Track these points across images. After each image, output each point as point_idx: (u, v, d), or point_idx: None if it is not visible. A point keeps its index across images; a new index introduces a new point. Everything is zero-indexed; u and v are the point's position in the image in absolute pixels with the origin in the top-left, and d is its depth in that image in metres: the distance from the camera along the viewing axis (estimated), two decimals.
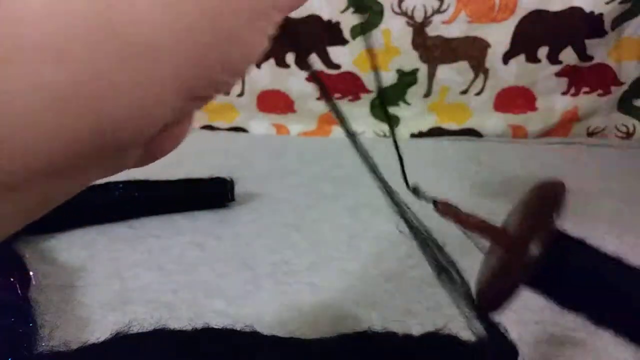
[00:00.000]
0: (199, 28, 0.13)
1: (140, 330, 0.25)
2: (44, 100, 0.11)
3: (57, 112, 0.11)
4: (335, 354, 0.24)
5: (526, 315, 0.31)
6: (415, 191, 0.22)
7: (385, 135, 0.65)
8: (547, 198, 0.19)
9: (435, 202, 0.21)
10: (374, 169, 0.20)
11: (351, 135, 0.19)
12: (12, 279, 0.30)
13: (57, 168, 0.12)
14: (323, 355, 0.24)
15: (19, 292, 0.30)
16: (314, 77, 0.20)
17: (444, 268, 0.19)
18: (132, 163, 0.16)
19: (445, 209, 0.21)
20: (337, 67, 0.62)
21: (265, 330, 0.31)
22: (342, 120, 0.19)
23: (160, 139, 0.16)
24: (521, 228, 0.19)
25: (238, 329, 0.25)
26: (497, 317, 0.20)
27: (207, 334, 0.25)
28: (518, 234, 0.18)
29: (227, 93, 0.15)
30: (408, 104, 0.64)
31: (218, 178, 0.46)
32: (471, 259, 0.21)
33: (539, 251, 0.17)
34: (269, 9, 0.15)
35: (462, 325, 0.31)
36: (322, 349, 0.24)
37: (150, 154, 0.16)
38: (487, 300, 0.19)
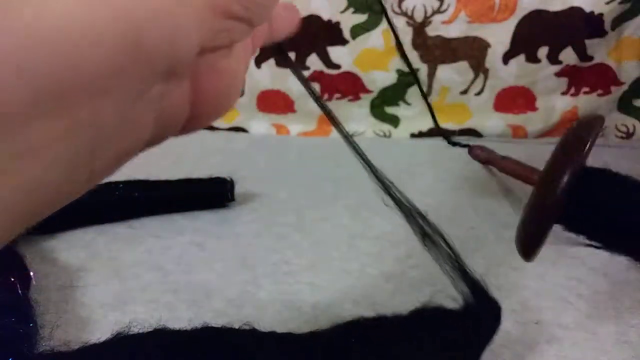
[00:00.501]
0: None
1: (140, 331, 0.25)
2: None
3: (92, 12, 0.11)
4: (333, 344, 0.24)
5: (526, 315, 0.31)
6: (448, 139, 0.23)
7: (385, 135, 0.65)
8: (577, 135, 0.19)
9: (470, 147, 0.22)
10: (352, 143, 0.21)
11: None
12: (12, 279, 0.30)
13: (100, 83, 0.12)
14: (323, 348, 0.24)
15: (20, 292, 0.30)
16: (299, 77, 0.21)
17: (428, 234, 0.19)
18: (181, 102, 0.15)
19: (478, 152, 0.21)
20: (337, 67, 0.62)
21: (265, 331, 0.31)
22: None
23: (207, 74, 0.15)
24: (550, 165, 0.18)
25: (237, 327, 0.25)
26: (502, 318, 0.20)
27: (207, 332, 0.25)
28: (546, 171, 0.18)
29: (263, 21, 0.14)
30: (408, 104, 0.64)
31: (218, 178, 0.46)
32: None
33: (567, 186, 0.17)
34: None
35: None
36: (320, 341, 0.24)
37: (200, 98, 0.16)
38: (524, 242, 0.19)
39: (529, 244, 0.18)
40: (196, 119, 0.16)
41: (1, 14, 0.10)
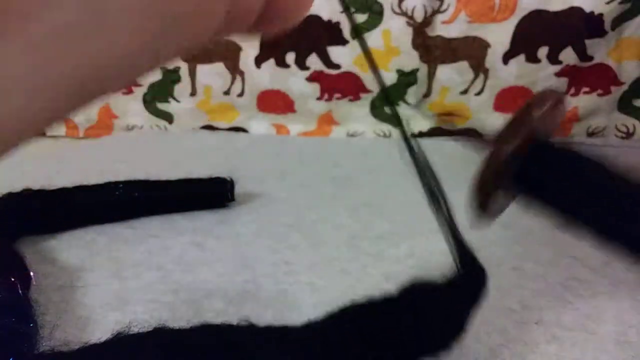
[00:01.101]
0: None
1: (140, 330, 0.26)
2: None
3: None
4: (328, 333, 0.24)
5: (526, 315, 0.31)
6: (418, 105, 0.24)
7: (385, 136, 0.65)
8: (533, 105, 0.21)
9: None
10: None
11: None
12: (12, 279, 0.30)
13: None
14: (320, 339, 0.24)
15: (20, 292, 0.30)
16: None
17: (436, 196, 0.20)
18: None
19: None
20: (337, 67, 0.62)
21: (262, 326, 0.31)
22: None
23: None
24: (504, 130, 0.20)
25: (235, 324, 0.25)
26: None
27: (205, 331, 0.25)
28: (497, 137, 0.20)
29: None
30: (408, 104, 0.64)
31: (218, 178, 0.46)
32: None
33: (514, 148, 0.19)
34: None
35: None
36: (316, 333, 0.25)
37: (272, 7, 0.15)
38: (477, 197, 0.21)
39: (481, 198, 0.21)
40: (267, 19, 0.16)
41: None
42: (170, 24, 0.12)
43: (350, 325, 0.24)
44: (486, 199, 0.20)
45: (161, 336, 0.25)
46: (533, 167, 0.19)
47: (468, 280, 0.23)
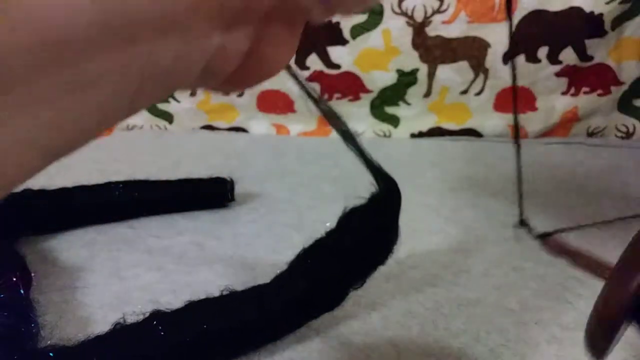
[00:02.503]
0: None
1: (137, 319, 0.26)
2: None
3: None
4: (292, 275, 0.28)
5: (526, 315, 0.31)
6: (523, 224, 0.23)
7: (385, 135, 0.65)
8: None
9: (541, 236, 0.21)
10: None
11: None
12: (14, 279, 0.30)
13: (170, 20, 0.11)
14: (288, 281, 0.28)
15: (21, 291, 0.30)
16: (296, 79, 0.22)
17: (346, 133, 0.24)
18: (232, 60, 0.15)
19: (554, 245, 0.21)
20: (337, 67, 0.62)
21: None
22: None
23: (266, 42, 0.15)
24: (623, 261, 0.18)
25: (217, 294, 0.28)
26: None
27: (194, 306, 0.27)
28: (618, 267, 0.18)
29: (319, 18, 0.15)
30: (408, 104, 0.64)
31: (218, 178, 0.46)
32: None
33: (638, 285, 0.17)
34: None
35: (462, 327, 0.31)
36: (282, 278, 0.29)
37: (251, 62, 0.15)
38: (592, 340, 0.18)
39: (598, 341, 0.18)
40: (238, 80, 0.16)
41: None
42: (147, 83, 0.12)
43: (307, 261, 0.28)
44: (612, 335, 0.18)
45: (156, 320, 0.26)
46: None
47: (386, 192, 0.26)
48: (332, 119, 0.24)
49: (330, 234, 0.28)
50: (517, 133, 0.23)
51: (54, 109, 0.11)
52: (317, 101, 0.24)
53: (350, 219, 0.27)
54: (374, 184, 0.26)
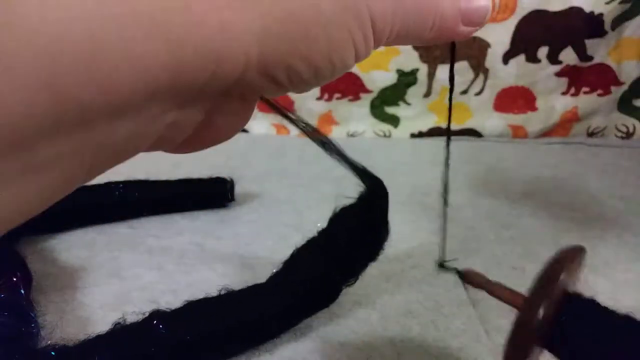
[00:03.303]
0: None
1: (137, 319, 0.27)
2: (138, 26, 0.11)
3: (149, 36, 0.11)
4: (288, 273, 0.29)
5: None
6: (442, 265, 0.26)
7: (385, 135, 0.65)
8: (560, 263, 0.21)
9: (460, 273, 0.24)
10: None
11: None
12: (14, 279, 0.30)
13: (126, 105, 0.12)
14: (284, 279, 0.29)
15: (22, 291, 0.30)
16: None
17: (325, 142, 0.25)
18: (185, 131, 0.15)
19: (472, 279, 0.24)
20: None
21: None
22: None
23: (221, 115, 0.16)
24: (534, 291, 0.20)
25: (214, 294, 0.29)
26: None
27: (192, 306, 0.28)
28: (530, 297, 0.20)
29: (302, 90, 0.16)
30: (408, 104, 0.64)
31: (218, 178, 0.46)
32: None
33: (548, 313, 0.19)
34: (364, 17, 0.15)
35: (462, 328, 0.31)
36: (278, 276, 0.29)
37: (205, 133, 0.16)
38: None
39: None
40: (189, 145, 0.16)
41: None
42: (99, 159, 0.13)
43: (301, 260, 0.29)
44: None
45: (156, 319, 0.26)
46: (571, 328, 0.19)
47: (373, 191, 0.27)
48: (309, 133, 0.25)
49: (322, 233, 0.28)
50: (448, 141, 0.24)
51: (11, 189, 0.11)
52: (291, 119, 0.25)
53: (341, 218, 0.28)
54: (361, 184, 0.27)
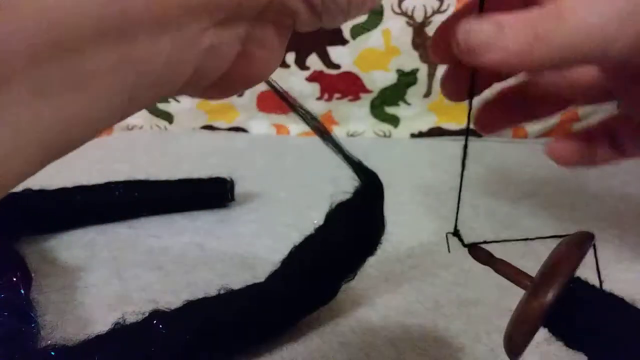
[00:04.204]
0: None
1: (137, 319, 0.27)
2: None
3: None
4: (287, 272, 0.29)
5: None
6: (456, 234, 0.27)
7: (385, 135, 0.65)
8: (569, 247, 0.21)
9: (469, 246, 0.25)
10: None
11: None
12: (14, 279, 0.30)
13: (165, 18, 0.12)
14: (282, 278, 0.29)
15: (22, 291, 0.30)
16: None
17: (324, 132, 0.26)
18: (222, 62, 0.15)
19: (478, 254, 0.25)
20: (337, 67, 0.62)
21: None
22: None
23: (255, 46, 0.16)
24: (542, 274, 0.21)
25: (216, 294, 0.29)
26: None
27: (193, 305, 0.28)
28: (538, 280, 0.21)
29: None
30: (408, 104, 0.64)
31: (218, 178, 0.46)
32: None
33: (555, 296, 0.19)
34: None
35: (462, 328, 0.31)
36: (276, 275, 0.29)
37: (239, 66, 0.16)
38: (510, 341, 0.21)
39: (515, 348, 0.21)
40: (226, 84, 0.16)
41: None
42: (141, 82, 0.13)
43: (299, 258, 0.29)
44: (527, 340, 0.21)
45: (156, 319, 0.26)
46: (574, 314, 0.20)
47: (369, 185, 0.27)
48: (310, 122, 0.25)
49: (319, 229, 0.28)
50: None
51: (53, 106, 0.11)
52: (292, 105, 0.25)
53: (338, 214, 0.28)
54: (357, 180, 0.27)
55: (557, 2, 0.18)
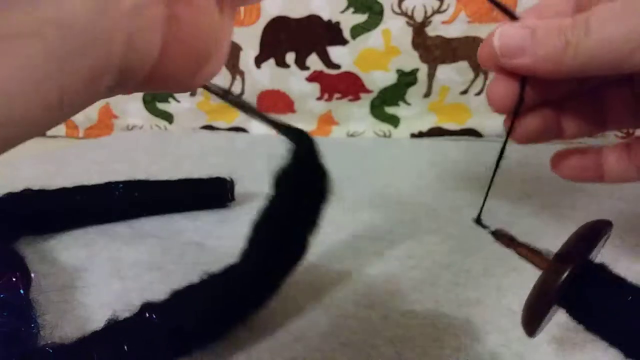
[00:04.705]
0: None
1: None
2: None
3: None
4: (248, 252, 0.30)
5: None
6: (479, 221, 0.29)
7: (385, 135, 0.65)
8: (587, 232, 0.23)
9: (494, 232, 0.28)
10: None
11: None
12: (14, 279, 0.30)
13: None
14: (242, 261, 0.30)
15: (22, 291, 0.30)
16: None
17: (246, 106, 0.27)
18: (152, 30, 0.15)
19: (501, 236, 0.27)
20: (337, 67, 0.62)
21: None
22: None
23: (184, 5, 0.15)
24: (557, 255, 0.22)
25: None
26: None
27: (177, 296, 0.29)
28: (553, 260, 0.22)
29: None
30: (408, 104, 0.64)
31: (218, 178, 0.46)
32: None
33: (569, 273, 0.20)
34: None
35: (462, 328, 0.31)
36: (242, 255, 0.30)
37: (173, 37, 0.16)
38: (526, 317, 0.23)
39: (531, 321, 0.23)
40: (164, 66, 0.16)
41: None
42: (68, 53, 0.12)
43: (264, 227, 0.29)
44: (542, 317, 0.23)
45: (147, 311, 0.27)
46: (579, 289, 0.22)
47: (300, 142, 0.28)
48: (225, 96, 0.26)
49: (271, 199, 0.29)
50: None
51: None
52: (220, 94, 0.26)
53: (283, 177, 0.29)
54: (288, 141, 0.28)
55: (587, 13, 0.19)
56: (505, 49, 0.21)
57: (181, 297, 0.28)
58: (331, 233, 0.42)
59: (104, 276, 0.36)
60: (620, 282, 0.22)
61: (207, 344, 0.29)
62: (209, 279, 0.30)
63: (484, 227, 0.28)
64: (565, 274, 0.20)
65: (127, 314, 0.27)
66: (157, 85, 0.17)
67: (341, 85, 0.63)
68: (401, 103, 0.64)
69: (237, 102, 0.27)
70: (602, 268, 0.22)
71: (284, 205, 0.29)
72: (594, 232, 0.23)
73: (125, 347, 0.25)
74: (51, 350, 0.25)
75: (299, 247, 0.31)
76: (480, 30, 0.58)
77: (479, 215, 0.28)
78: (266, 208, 0.29)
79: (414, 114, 0.64)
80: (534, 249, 0.24)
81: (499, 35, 0.21)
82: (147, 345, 0.26)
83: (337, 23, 0.60)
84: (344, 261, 0.38)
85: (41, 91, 0.12)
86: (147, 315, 0.27)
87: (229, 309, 0.29)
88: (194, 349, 0.28)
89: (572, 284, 0.21)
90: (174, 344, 0.27)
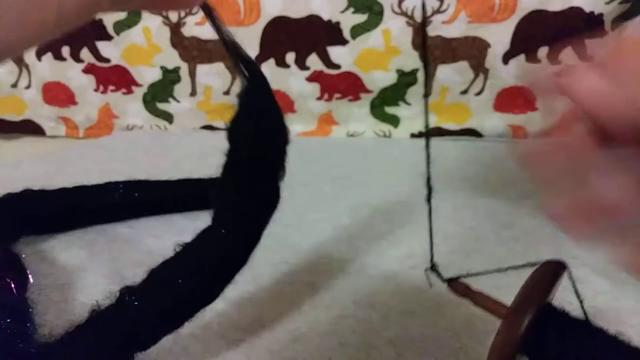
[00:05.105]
0: None
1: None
2: None
3: None
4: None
5: None
6: (433, 269, 0.28)
7: (385, 135, 0.65)
8: (542, 276, 0.23)
9: (448, 281, 0.27)
10: None
11: None
12: (7, 280, 0.30)
13: None
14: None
15: (15, 292, 0.30)
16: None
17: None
18: None
19: (457, 288, 0.26)
20: (337, 67, 0.62)
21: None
22: None
23: None
24: (516, 303, 0.22)
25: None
26: None
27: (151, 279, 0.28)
28: (512, 308, 0.22)
29: None
30: (408, 104, 0.64)
31: (218, 178, 0.45)
32: None
33: (528, 323, 0.20)
34: None
35: (462, 328, 0.31)
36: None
37: None
38: None
39: None
40: None
41: None
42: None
43: (230, 179, 0.29)
44: None
45: (127, 294, 0.27)
46: (550, 338, 0.21)
47: (252, 79, 0.27)
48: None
49: (230, 151, 0.28)
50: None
51: None
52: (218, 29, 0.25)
53: (238, 123, 0.28)
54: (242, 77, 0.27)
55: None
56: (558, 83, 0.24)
57: (159, 275, 0.28)
58: (331, 233, 0.42)
59: (104, 276, 0.36)
60: (580, 325, 0.22)
61: (193, 314, 0.28)
62: (183, 249, 0.30)
63: (439, 276, 0.27)
64: (525, 324, 0.20)
65: (107, 302, 0.27)
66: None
67: (341, 85, 0.63)
68: (401, 103, 0.64)
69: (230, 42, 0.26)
70: (562, 313, 0.22)
71: (245, 152, 0.28)
72: (548, 276, 0.23)
73: (109, 335, 0.25)
74: (33, 350, 0.25)
75: (270, 194, 0.30)
76: (480, 30, 0.58)
77: (432, 261, 0.28)
78: (226, 161, 0.28)
79: (414, 114, 0.64)
80: (490, 297, 0.24)
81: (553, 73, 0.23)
82: (130, 330, 0.26)
83: (337, 23, 0.60)
84: (343, 261, 0.38)
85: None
86: (127, 299, 0.26)
87: (210, 274, 0.29)
88: (180, 322, 0.28)
89: (532, 332, 0.21)
90: (158, 323, 0.27)
